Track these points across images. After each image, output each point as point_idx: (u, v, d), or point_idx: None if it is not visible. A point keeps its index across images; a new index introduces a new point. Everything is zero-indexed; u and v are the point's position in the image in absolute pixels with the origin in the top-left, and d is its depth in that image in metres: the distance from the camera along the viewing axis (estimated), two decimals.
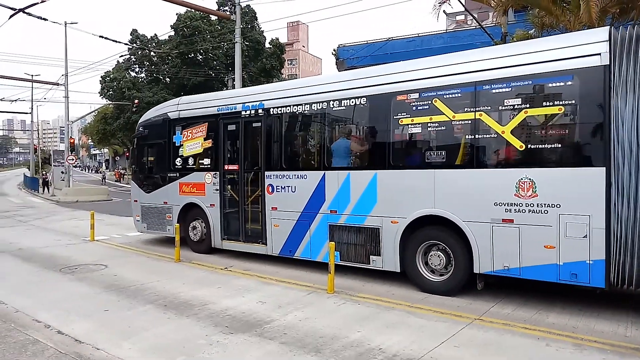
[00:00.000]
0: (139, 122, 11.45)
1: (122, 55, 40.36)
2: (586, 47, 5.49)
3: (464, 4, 15.75)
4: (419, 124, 6.71)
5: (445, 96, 6.44)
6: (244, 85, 20.45)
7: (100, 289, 7.07)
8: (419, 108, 6.67)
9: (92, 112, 48.22)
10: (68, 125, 31.53)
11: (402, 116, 6.82)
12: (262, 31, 40.90)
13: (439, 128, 6.56)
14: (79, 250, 10.41)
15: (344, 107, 7.51)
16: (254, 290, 6.91)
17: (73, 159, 29.97)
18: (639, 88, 5.12)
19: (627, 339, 4.88)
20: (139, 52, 41.23)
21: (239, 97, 9.28)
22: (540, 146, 5.79)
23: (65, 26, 29.21)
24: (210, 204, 9.39)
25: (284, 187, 8.19)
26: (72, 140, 31.77)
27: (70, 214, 19.23)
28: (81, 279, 7.78)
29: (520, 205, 5.76)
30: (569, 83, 5.56)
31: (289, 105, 8.21)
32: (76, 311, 5.98)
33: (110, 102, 42.29)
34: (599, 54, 5.35)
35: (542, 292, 6.35)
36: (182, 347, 4.78)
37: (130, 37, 41.15)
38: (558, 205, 5.52)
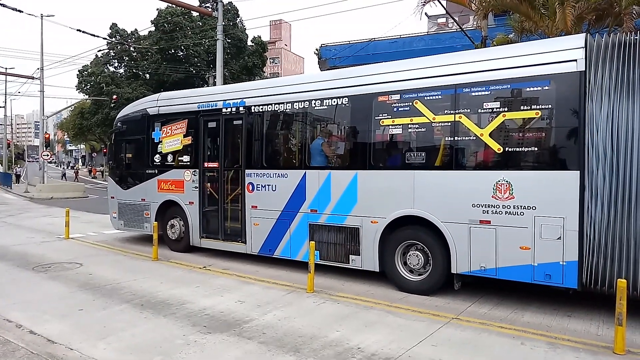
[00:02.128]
0: (117, 117, 11.26)
1: (100, 50, 39.55)
2: (563, 53, 5.61)
3: (445, 6, 15.93)
4: (399, 125, 6.76)
5: (425, 98, 6.51)
6: (225, 83, 20.28)
7: (74, 288, 6.91)
8: (399, 109, 6.72)
9: (69, 107, 47.09)
10: (43, 120, 30.79)
11: (383, 117, 6.87)
12: (245, 29, 40.66)
13: (419, 129, 6.62)
14: (53, 249, 10.16)
15: (325, 107, 7.52)
16: (233, 290, 6.86)
17: (48, 155, 29.27)
18: (614, 94, 5.26)
19: (598, 338, 5.01)
20: (118, 47, 40.47)
21: (220, 94, 9.19)
22: (517, 149, 5.89)
23: (42, 19, 28.53)
24: (189, 202, 9.29)
25: (265, 185, 8.15)
26: (47, 136, 31.03)
27: (45, 210, 18.77)
28: (55, 277, 7.60)
29: (498, 207, 5.87)
30: (546, 88, 5.68)
31: (271, 104, 8.18)
32: (49, 311, 5.84)
33: (88, 97, 41.41)
34: (575, 60, 5.48)
35: (518, 292, 6.48)
36: (159, 347, 4.71)
37: (110, 31, 40.41)
38: (534, 208, 5.64)
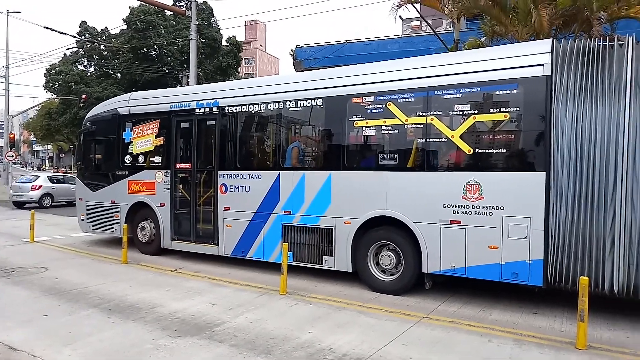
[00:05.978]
0: (87, 117, 10.99)
1: (69, 48, 38.45)
2: (530, 57, 5.78)
3: (419, 10, 16.15)
4: (373, 126, 6.81)
5: (398, 100, 6.58)
6: (198, 83, 20.03)
7: (39, 293, 6.69)
8: (373, 111, 6.78)
9: (35, 106, 45.59)
10: (8, 119, 29.83)
11: (357, 118, 6.91)
12: (219, 29, 40.23)
13: (392, 131, 6.69)
14: (17, 253, 9.81)
15: (300, 108, 7.51)
16: (204, 292, 6.77)
17: (13, 156, 28.31)
18: (578, 97, 5.44)
19: (562, 334, 5.17)
20: (88, 45, 39.47)
21: (193, 94, 9.07)
22: (487, 151, 6.03)
23: (7, 15, 27.64)
24: (161, 203, 9.13)
25: (238, 186, 8.08)
26: (12, 136, 30.01)
27: (9, 213, 18.12)
28: (18, 282, 7.34)
29: (467, 207, 5.98)
30: (515, 91, 5.82)
31: (245, 105, 8.12)
32: (12, 317, 5.63)
33: (56, 97, 40.20)
34: (542, 64, 5.64)
35: (487, 290, 6.61)
36: (127, 352, 4.61)
37: (79, 29, 39.35)
38: (502, 208, 5.77)
